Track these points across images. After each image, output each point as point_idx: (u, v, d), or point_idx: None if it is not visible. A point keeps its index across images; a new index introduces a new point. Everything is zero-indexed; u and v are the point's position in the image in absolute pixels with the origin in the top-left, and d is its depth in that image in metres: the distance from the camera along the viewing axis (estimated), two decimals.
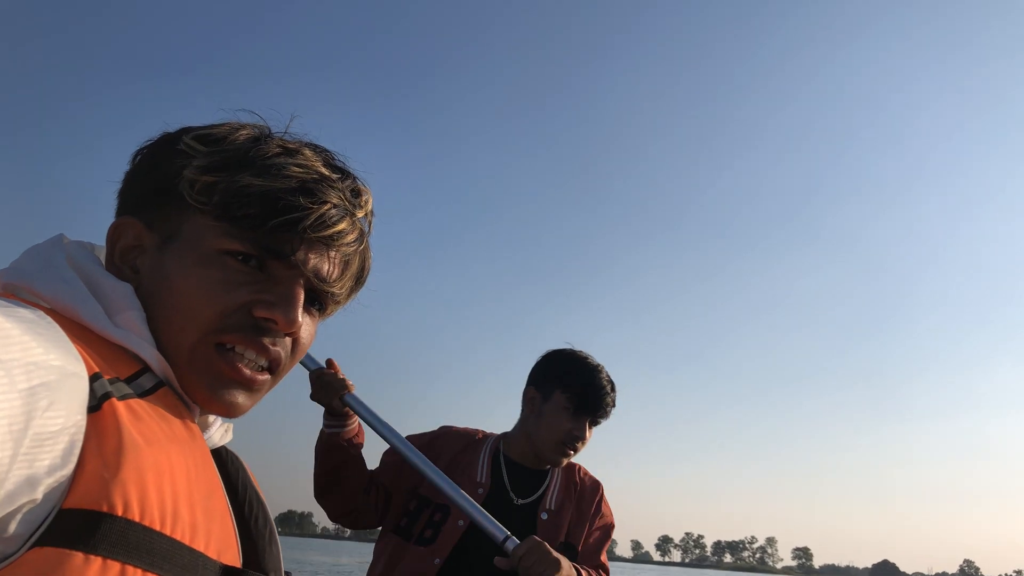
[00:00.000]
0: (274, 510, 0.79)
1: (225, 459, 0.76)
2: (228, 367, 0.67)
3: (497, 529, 1.77)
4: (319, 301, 0.75)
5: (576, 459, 2.15)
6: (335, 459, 1.97)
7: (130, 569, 0.49)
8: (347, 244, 0.73)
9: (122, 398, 0.55)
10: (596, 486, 2.21)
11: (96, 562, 0.47)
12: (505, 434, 2.20)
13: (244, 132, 0.72)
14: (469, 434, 2.20)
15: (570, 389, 2.06)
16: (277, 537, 0.76)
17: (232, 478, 0.75)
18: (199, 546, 0.55)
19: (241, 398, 0.69)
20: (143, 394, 0.59)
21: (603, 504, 2.20)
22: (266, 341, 0.68)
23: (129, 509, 0.49)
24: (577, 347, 2.19)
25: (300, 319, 0.69)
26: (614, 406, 2.12)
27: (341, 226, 0.71)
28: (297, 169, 0.69)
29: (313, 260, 0.71)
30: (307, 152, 0.72)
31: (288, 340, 0.71)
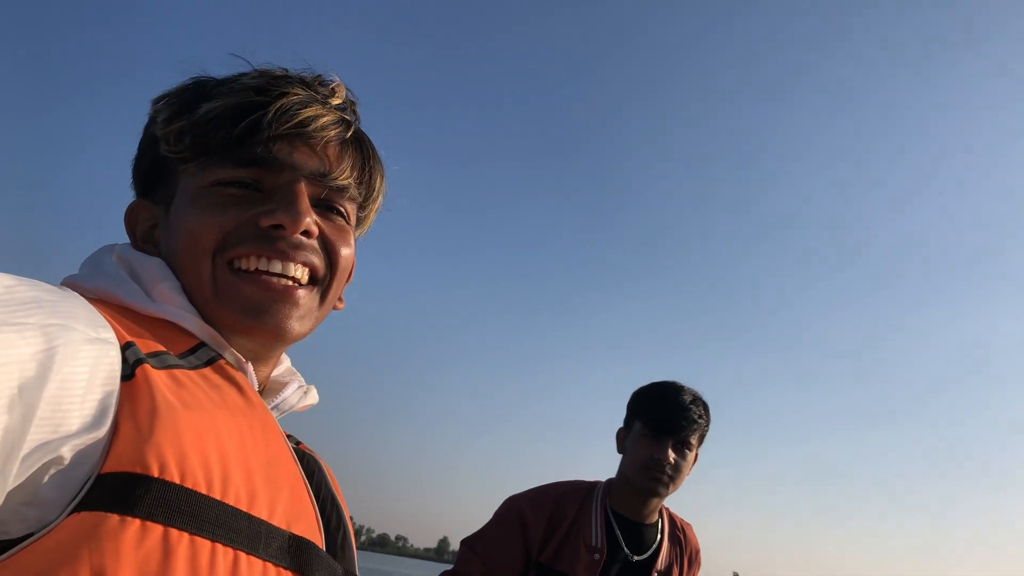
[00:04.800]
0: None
1: (305, 459, 0.73)
2: (251, 283, 0.65)
3: None
4: (335, 206, 0.72)
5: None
6: None
7: (174, 532, 0.47)
8: (323, 129, 0.69)
9: (166, 368, 0.54)
10: (697, 546, 2.17)
11: (134, 524, 0.46)
12: (609, 482, 2.13)
13: (190, 80, 0.72)
14: (576, 491, 2.11)
15: (645, 415, 2.02)
16: (352, 541, 0.72)
17: (308, 477, 0.72)
18: (260, 513, 0.53)
19: (282, 313, 0.67)
20: (197, 367, 0.58)
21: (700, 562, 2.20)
22: (281, 246, 0.66)
23: (166, 470, 0.48)
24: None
25: (308, 216, 0.67)
26: (698, 423, 2.01)
27: (308, 112, 0.68)
28: (251, 80, 0.69)
29: (301, 158, 0.68)
30: (256, 70, 0.72)
31: (315, 244, 0.69)
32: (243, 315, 0.65)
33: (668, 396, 2.03)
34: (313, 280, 0.70)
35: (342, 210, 0.73)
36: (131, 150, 0.75)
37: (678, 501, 2.18)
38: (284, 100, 0.67)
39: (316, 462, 0.74)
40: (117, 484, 0.47)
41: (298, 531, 0.56)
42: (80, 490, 0.46)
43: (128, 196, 0.77)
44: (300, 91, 0.69)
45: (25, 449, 0.44)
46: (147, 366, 0.53)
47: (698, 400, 2.04)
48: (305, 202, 0.67)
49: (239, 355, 0.66)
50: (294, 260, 0.67)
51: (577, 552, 1.83)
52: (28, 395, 0.44)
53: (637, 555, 2.01)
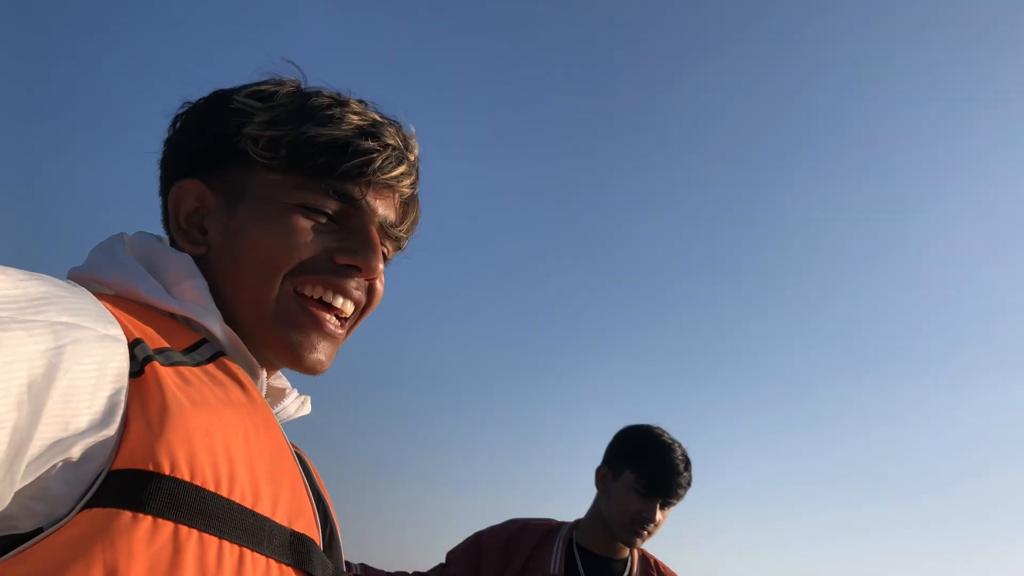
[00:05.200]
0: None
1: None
2: (312, 320, 0.69)
3: None
4: (384, 249, 0.77)
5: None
6: None
7: (184, 529, 0.48)
8: (408, 186, 0.76)
9: (171, 365, 0.55)
10: None
11: (145, 521, 0.46)
12: (578, 520, 2.14)
13: (289, 87, 0.75)
14: (542, 526, 2.13)
15: (639, 468, 2.00)
16: (340, 540, 0.73)
17: None
18: (264, 510, 0.54)
19: (324, 354, 0.71)
20: (200, 363, 0.59)
21: None
22: (350, 285, 0.71)
23: (177, 468, 0.49)
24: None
25: (381, 264, 0.72)
26: (688, 487, 2.03)
27: (402, 168, 0.74)
28: (355, 117, 0.73)
29: (382, 207, 0.74)
30: (354, 102, 0.75)
31: (365, 285, 0.74)
32: (289, 345, 0.68)
33: (663, 456, 2.03)
34: (351, 315, 0.74)
35: (386, 253, 0.78)
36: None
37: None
38: (388, 153, 0.72)
39: (304, 461, 0.75)
40: (128, 481, 0.47)
41: (298, 528, 0.57)
42: (91, 486, 0.47)
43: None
44: (394, 142, 0.74)
45: (34, 446, 0.44)
46: (156, 363, 0.53)
47: (688, 462, 2.06)
48: (380, 252, 0.72)
49: (255, 361, 0.67)
50: (352, 297, 0.72)
51: None
52: (37, 393, 0.45)
53: None
